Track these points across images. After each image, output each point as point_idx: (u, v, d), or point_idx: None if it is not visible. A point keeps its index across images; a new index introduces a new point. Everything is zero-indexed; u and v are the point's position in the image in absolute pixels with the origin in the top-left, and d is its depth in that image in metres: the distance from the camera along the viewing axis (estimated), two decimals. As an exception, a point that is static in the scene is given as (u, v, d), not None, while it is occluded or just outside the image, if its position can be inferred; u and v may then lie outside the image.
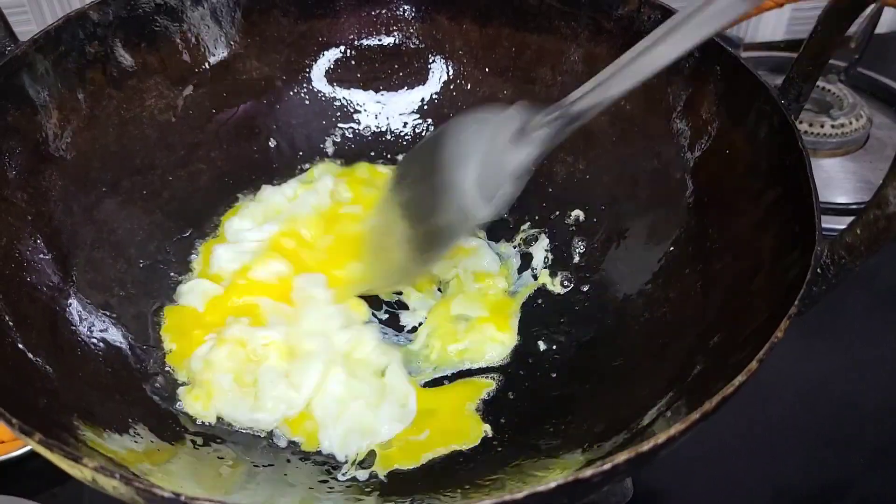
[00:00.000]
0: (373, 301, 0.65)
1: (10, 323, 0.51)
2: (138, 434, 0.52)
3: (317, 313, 0.61)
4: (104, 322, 0.59)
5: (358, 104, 0.77)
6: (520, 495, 0.35)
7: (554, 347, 0.62)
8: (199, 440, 0.54)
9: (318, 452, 0.55)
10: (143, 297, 0.62)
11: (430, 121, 0.77)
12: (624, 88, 0.47)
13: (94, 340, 0.57)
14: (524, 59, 0.74)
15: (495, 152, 0.53)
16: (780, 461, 0.64)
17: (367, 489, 0.53)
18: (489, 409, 0.58)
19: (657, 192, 0.65)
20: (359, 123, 0.77)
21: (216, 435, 0.56)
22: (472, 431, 0.56)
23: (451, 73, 0.76)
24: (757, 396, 0.58)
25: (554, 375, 0.60)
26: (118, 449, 0.48)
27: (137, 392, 0.56)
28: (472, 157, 0.54)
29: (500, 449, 0.56)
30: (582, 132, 0.71)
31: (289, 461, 0.55)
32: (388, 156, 0.76)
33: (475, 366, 0.61)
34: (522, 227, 0.71)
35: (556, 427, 0.55)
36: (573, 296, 0.66)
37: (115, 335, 0.59)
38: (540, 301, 0.66)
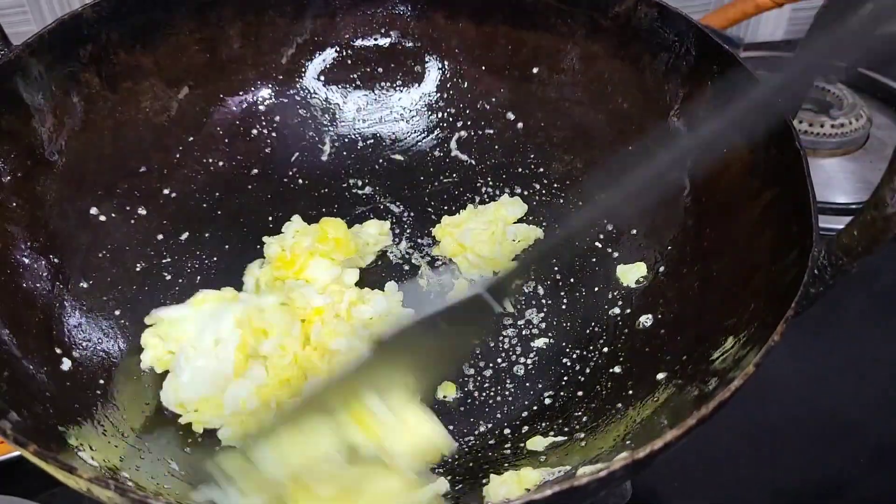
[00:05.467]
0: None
1: (6, 329, 0.51)
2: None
3: None
4: (101, 327, 0.59)
5: (354, 104, 0.76)
6: (516, 502, 0.35)
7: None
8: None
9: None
10: (140, 301, 0.62)
11: (427, 120, 0.76)
12: None
13: (91, 345, 0.57)
14: (521, 57, 0.73)
15: None
16: (780, 461, 0.64)
17: None
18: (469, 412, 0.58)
19: (655, 192, 0.65)
20: (355, 124, 0.76)
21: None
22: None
23: (447, 72, 0.76)
24: (757, 396, 0.58)
25: (552, 380, 0.60)
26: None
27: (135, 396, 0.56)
28: None
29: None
30: (580, 131, 0.71)
31: None
32: (385, 156, 0.76)
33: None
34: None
35: (544, 434, 0.55)
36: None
37: (112, 340, 0.59)
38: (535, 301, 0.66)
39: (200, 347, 0.57)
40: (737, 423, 0.64)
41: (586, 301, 0.64)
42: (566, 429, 0.55)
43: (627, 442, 0.49)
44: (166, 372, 0.58)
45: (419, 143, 0.76)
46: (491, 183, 0.73)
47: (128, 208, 0.65)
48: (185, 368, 0.56)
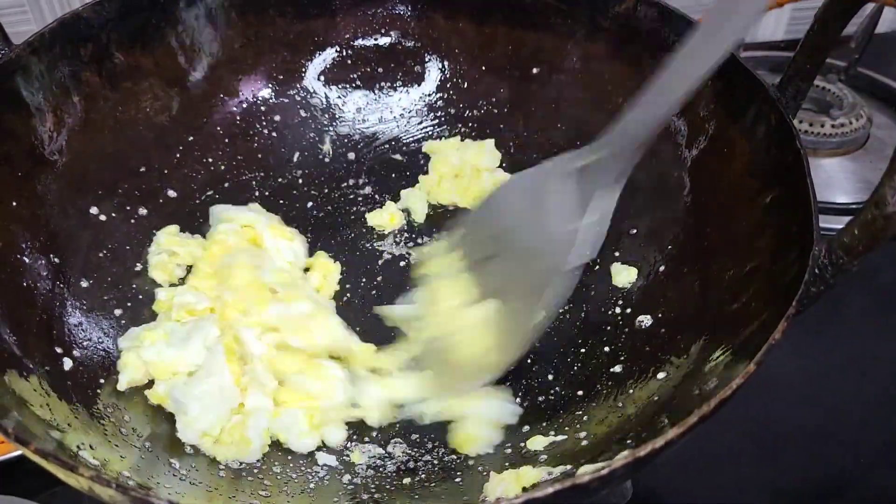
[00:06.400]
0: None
1: (6, 328, 0.51)
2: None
3: None
4: (101, 326, 0.59)
5: (354, 104, 0.76)
6: (516, 501, 0.35)
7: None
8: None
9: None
10: (141, 300, 0.62)
11: (427, 120, 0.77)
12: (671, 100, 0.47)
13: (92, 345, 0.57)
14: (521, 57, 0.74)
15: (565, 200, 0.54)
16: (780, 460, 0.64)
17: None
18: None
19: (655, 192, 0.65)
20: (355, 124, 0.76)
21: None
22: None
23: (447, 72, 0.76)
24: (758, 395, 0.58)
25: (550, 378, 0.60)
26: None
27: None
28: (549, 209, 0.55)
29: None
30: (580, 131, 0.71)
31: None
32: (385, 156, 0.76)
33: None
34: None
35: (544, 434, 0.55)
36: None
37: (113, 339, 0.59)
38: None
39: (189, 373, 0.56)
40: (738, 422, 0.63)
41: (586, 301, 0.64)
42: (566, 428, 0.55)
43: (628, 441, 0.49)
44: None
45: (419, 143, 0.76)
46: (491, 183, 0.73)
47: (128, 208, 0.65)
48: (188, 402, 0.53)
